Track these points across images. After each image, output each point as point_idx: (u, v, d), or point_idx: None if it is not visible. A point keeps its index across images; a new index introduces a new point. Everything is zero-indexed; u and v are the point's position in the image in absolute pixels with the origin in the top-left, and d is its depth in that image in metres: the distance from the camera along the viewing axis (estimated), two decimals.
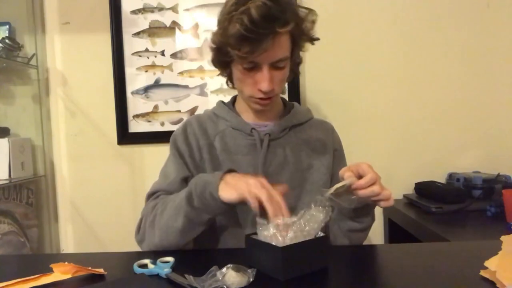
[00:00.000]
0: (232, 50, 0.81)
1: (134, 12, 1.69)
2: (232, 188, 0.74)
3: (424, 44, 1.68)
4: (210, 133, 0.98)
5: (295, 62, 0.95)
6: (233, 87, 0.99)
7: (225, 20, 0.82)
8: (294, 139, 0.98)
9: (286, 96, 1.65)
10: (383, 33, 1.68)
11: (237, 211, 0.90)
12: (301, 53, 0.97)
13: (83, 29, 1.72)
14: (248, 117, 0.99)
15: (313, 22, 0.87)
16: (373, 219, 0.91)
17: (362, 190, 0.72)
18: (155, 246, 0.84)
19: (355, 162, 0.77)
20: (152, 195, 0.93)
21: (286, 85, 1.70)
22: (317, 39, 0.91)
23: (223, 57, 0.89)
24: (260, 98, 0.88)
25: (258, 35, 0.77)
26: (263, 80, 0.84)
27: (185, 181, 0.92)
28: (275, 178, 0.92)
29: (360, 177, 0.73)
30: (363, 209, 0.84)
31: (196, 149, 0.96)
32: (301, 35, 0.87)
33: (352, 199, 0.75)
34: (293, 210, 0.75)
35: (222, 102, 1.04)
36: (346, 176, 0.74)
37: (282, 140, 0.96)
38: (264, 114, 0.98)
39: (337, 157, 1.01)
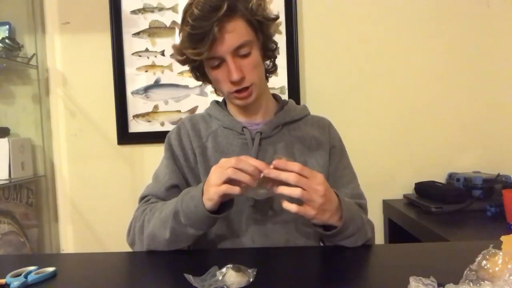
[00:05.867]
0: (187, 52, 0.83)
1: (134, 12, 1.69)
2: (208, 192, 0.75)
3: (424, 44, 1.68)
4: (203, 134, 0.97)
5: (265, 47, 0.92)
6: (218, 94, 1.01)
7: (179, 30, 0.85)
8: (288, 136, 0.96)
9: (286, 97, 1.65)
10: (383, 33, 1.69)
11: (231, 220, 0.89)
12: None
13: (83, 29, 1.72)
14: (240, 116, 0.97)
15: (259, 3, 0.85)
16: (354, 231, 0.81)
17: (269, 171, 0.72)
18: (144, 251, 0.85)
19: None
20: (143, 198, 0.94)
21: (286, 85, 1.73)
22: (273, 19, 0.89)
23: (192, 65, 0.91)
24: (237, 92, 0.87)
25: (203, 29, 0.78)
26: (230, 71, 0.83)
27: (176, 187, 0.93)
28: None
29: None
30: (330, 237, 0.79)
31: (191, 152, 0.96)
32: (253, 16, 0.84)
33: (260, 192, 0.76)
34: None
35: (216, 101, 1.03)
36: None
37: (274, 138, 0.94)
38: (254, 112, 0.96)
39: (335, 154, 0.98)
